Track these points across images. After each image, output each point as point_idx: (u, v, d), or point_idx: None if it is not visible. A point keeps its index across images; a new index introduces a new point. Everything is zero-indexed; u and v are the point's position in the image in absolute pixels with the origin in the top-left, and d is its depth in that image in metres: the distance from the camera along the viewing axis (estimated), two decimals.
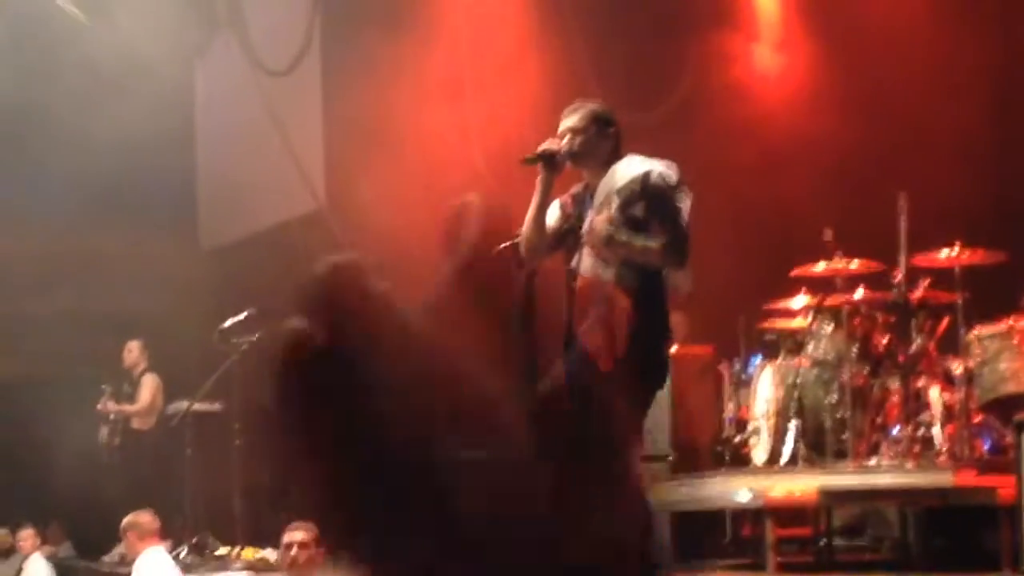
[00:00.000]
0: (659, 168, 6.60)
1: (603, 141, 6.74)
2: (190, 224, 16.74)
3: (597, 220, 6.55)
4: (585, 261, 6.61)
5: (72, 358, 14.34)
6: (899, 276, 9.65)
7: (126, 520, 10.60)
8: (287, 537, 8.05)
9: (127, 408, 13.57)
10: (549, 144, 6.67)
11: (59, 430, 13.46)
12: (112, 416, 13.71)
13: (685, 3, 13.36)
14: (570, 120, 6.78)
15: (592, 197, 6.70)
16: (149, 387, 13.61)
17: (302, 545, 7.95)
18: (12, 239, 16.07)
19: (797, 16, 13.56)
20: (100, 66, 12.88)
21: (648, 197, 6.52)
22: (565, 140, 6.71)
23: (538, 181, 6.69)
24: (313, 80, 14.19)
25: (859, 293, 10.05)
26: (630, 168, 6.62)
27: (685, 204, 6.56)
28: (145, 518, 10.62)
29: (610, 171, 6.66)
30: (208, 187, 16.58)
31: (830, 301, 10.19)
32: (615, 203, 6.55)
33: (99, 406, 13.49)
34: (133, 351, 13.81)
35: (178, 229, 16.56)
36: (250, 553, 11.31)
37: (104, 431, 13.63)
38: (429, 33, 13.24)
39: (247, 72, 14.07)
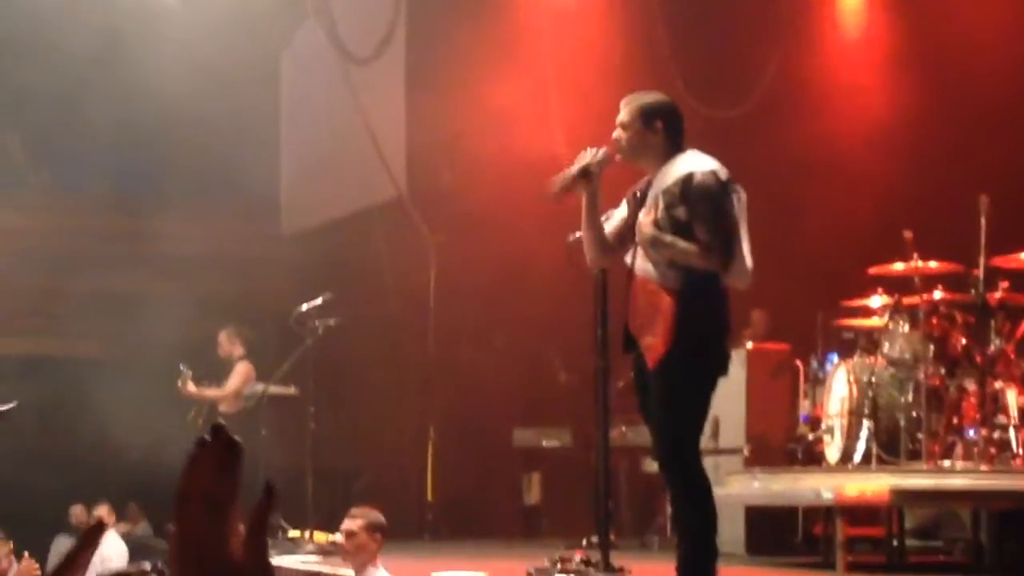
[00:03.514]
0: (704, 168, 6.52)
1: (649, 137, 6.63)
2: (272, 209, 16.86)
3: (643, 222, 6.52)
4: (638, 260, 6.59)
5: (153, 339, 14.44)
6: (978, 277, 9.59)
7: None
8: (344, 523, 8.10)
9: (208, 392, 13.57)
10: (576, 165, 6.67)
11: (141, 411, 13.57)
12: (200, 402, 13.68)
13: (769, 1, 13.33)
14: (621, 113, 6.72)
15: (646, 195, 6.67)
16: (240, 374, 13.57)
17: (349, 534, 8.01)
18: (94, 218, 16.29)
19: (878, 13, 13.49)
20: (190, 50, 13.00)
21: (690, 199, 6.45)
22: (613, 135, 6.70)
23: (582, 196, 6.69)
24: (397, 68, 14.26)
25: (937, 293, 10.00)
26: (678, 168, 6.54)
27: (731, 205, 6.50)
28: None
29: (662, 170, 6.59)
30: (291, 173, 16.70)
31: (908, 300, 10.13)
32: (661, 204, 6.51)
33: (179, 386, 13.49)
34: (225, 339, 13.74)
35: (260, 214, 16.70)
36: (321, 536, 11.36)
37: (191, 412, 13.64)
38: (513, 23, 13.29)
39: (332, 59, 14.14)
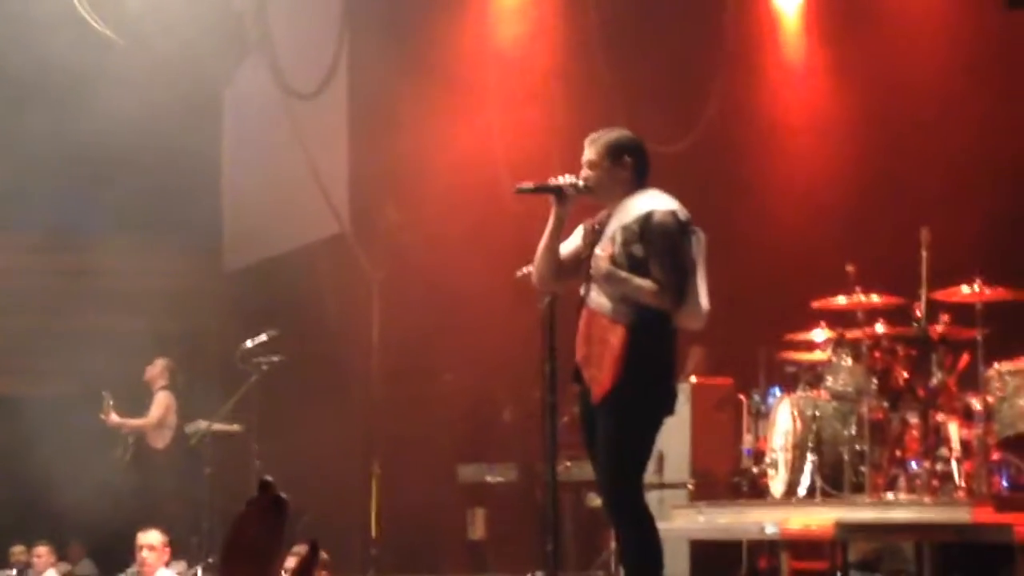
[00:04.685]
0: (664, 208, 6.61)
1: (618, 173, 6.71)
2: (215, 245, 16.79)
3: (599, 255, 6.58)
4: (591, 293, 6.65)
5: (93, 376, 14.34)
6: (920, 311, 9.64)
7: (138, 539, 10.69)
8: (288, 561, 8.05)
9: (130, 421, 13.48)
10: (558, 179, 6.69)
11: (80, 447, 13.46)
12: (125, 432, 13.59)
13: (711, 35, 13.39)
14: (587, 152, 6.79)
15: (604, 229, 6.71)
16: (160, 404, 13.50)
17: (291, 571, 7.96)
18: (35, 255, 16.15)
19: (820, 49, 13.57)
20: (132, 86, 12.93)
21: (647, 238, 6.54)
22: (580, 174, 6.72)
23: (551, 213, 6.72)
24: (340, 103, 14.24)
25: (880, 327, 10.05)
26: (639, 206, 6.63)
27: (689, 246, 6.59)
28: (156, 537, 10.69)
29: (623, 205, 6.67)
30: (233, 209, 16.63)
31: (850, 334, 10.19)
32: (619, 240, 6.58)
33: (101, 415, 13.39)
34: (156, 367, 13.69)
35: (202, 250, 16.62)
36: None
37: (119, 449, 13.57)
38: (456, 59, 13.30)
39: (275, 94, 14.12)
